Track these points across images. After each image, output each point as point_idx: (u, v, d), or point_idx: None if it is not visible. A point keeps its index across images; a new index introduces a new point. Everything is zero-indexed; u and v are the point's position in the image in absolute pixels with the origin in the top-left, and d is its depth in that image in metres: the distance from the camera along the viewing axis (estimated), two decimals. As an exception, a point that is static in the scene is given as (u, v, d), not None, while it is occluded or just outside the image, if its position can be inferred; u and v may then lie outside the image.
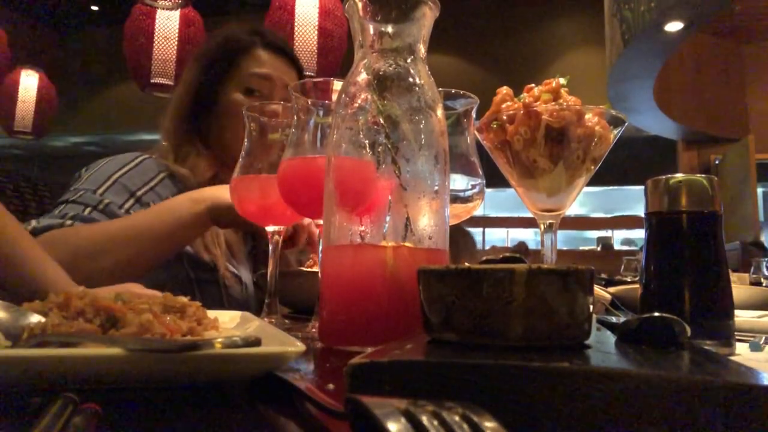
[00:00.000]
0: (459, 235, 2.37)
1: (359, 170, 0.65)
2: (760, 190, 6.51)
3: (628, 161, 7.15)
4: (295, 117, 0.80)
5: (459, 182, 0.86)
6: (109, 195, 1.13)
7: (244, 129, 1.25)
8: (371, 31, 0.66)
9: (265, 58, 1.33)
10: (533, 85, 0.76)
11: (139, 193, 1.17)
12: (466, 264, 0.38)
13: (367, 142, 0.64)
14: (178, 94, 1.35)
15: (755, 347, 0.63)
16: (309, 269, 1.18)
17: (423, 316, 0.40)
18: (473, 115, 0.87)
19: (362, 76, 0.65)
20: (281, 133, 0.91)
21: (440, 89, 0.71)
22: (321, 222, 0.67)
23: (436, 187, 0.64)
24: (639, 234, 7.95)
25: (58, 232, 1.03)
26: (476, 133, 0.80)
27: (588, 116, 0.71)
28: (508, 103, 0.75)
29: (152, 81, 3.66)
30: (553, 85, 0.74)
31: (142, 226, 1.04)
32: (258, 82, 1.30)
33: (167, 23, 3.71)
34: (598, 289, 1.04)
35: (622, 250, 6.68)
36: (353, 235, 0.63)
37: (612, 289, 1.08)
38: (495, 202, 7.43)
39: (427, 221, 0.63)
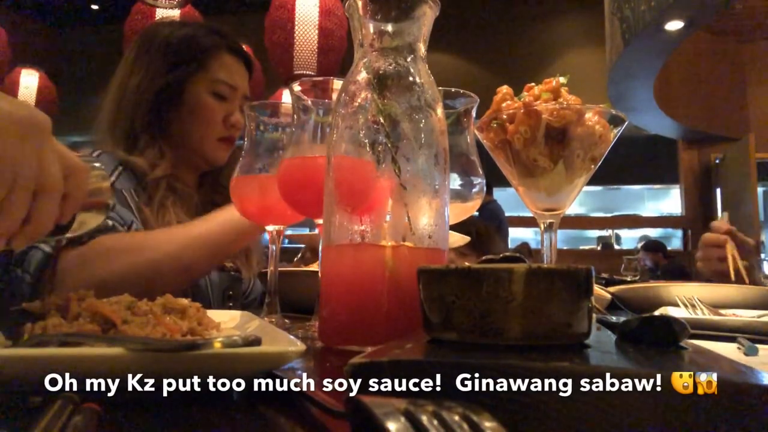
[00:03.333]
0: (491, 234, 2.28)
1: (359, 169, 0.64)
2: (760, 190, 6.51)
3: (629, 160, 7.16)
4: (295, 116, 0.80)
5: (459, 181, 0.86)
6: None
7: (206, 128, 1.30)
8: (371, 30, 0.66)
9: (231, 64, 1.33)
10: (533, 84, 0.76)
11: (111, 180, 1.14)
12: (466, 263, 0.38)
13: (367, 141, 0.64)
14: (139, 82, 1.28)
15: (752, 351, 0.62)
16: (309, 269, 1.18)
17: (423, 315, 0.40)
18: (473, 114, 0.87)
19: (362, 75, 0.65)
20: (280, 132, 0.91)
21: (440, 88, 0.71)
22: (321, 221, 0.67)
23: (436, 187, 0.64)
24: (638, 233, 7.95)
25: (115, 237, 1.01)
26: (476, 132, 0.80)
27: (588, 115, 0.71)
28: (508, 102, 0.75)
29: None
30: (553, 84, 0.74)
31: (208, 234, 1.04)
32: (225, 88, 1.31)
33: (167, 23, 3.70)
34: (598, 289, 1.04)
35: (623, 249, 6.68)
36: (353, 235, 0.63)
37: (612, 289, 1.08)
38: (495, 201, 7.41)
39: (427, 220, 0.63)
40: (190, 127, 1.29)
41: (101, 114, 1.31)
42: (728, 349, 0.63)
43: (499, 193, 5.23)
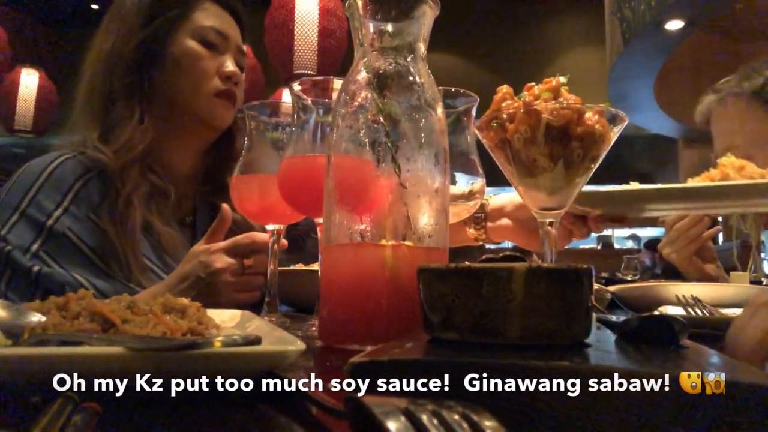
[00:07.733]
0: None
1: (359, 169, 0.64)
2: (760, 189, 6.49)
3: (629, 160, 7.16)
4: (295, 115, 0.80)
5: (459, 181, 0.86)
6: (13, 236, 1.00)
7: (198, 80, 1.15)
8: (371, 30, 0.66)
9: (217, 13, 1.22)
10: (533, 83, 0.76)
11: (49, 223, 1.01)
12: (466, 263, 0.38)
13: (367, 140, 0.64)
14: (112, 44, 1.16)
15: None
16: (309, 268, 1.17)
17: (423, 314, 0.40)
18: (473, 113, 0.87)
19: (362, 75, 0.65)
20: (280, 132, 0.91)
21: (440, 88, 0.71)
22: (321, 220, 0.67)
23: (436, 186, 0.64)
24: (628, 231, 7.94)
25: None
26: (476, 131, 0.80)
27: (588, 115, 0.71)
28: (508, 101, 0.75)
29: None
30: (553, 83, 0.74)
31: None
32: (214, 36, 1.18)
33: (167, 22, 3.69)
34: (597, 288, 1.04)
35: (623, 249, 6.69)
36: (353, 234, 0.63)
37: (612, 288, 1.08)
38: (495, 201, 7.41)
39: (427, 220, 0.63)
40: (178, 82, 1.15)
41: (77, 95, 1.19)
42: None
43: (498, 192, 5.23)
